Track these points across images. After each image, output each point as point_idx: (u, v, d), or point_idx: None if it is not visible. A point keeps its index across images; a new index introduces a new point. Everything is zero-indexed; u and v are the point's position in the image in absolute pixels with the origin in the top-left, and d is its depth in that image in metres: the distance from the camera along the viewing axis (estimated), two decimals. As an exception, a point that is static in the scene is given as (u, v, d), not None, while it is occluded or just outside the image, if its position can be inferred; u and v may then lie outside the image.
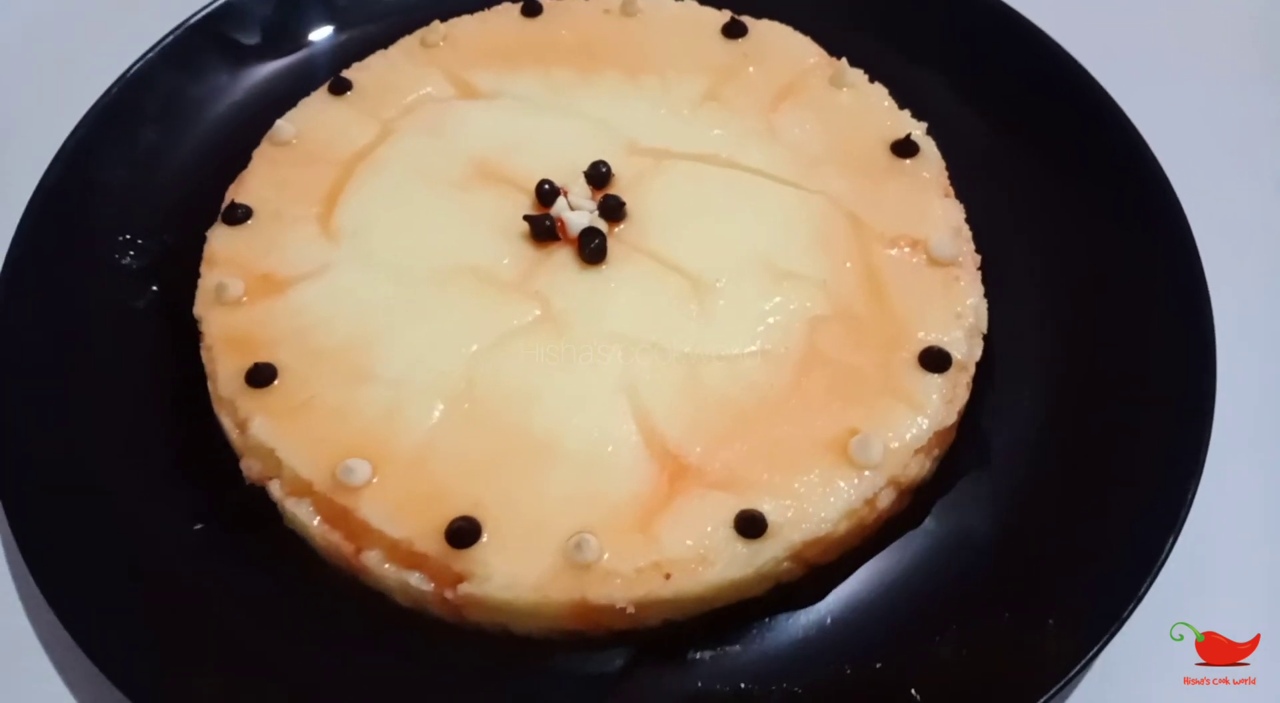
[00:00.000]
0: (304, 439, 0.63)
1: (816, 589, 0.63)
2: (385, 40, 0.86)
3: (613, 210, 0.72)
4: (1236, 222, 0.83)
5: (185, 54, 0.86)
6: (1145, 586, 0.60)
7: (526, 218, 0.72)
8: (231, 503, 0.66)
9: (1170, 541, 0.61)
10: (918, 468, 0.65)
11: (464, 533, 0.59)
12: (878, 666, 0.60)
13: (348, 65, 0.84)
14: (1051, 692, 0.57)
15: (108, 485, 0.67)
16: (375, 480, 0.62)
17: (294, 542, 0.65)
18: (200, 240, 0.75)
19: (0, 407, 0.68)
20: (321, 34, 0.90)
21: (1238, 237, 0.81)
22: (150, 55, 0.85)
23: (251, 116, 0.84)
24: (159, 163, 0.82)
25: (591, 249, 0.70)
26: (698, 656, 0.61)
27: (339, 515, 0.62)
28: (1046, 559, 0.64)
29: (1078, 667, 0.58)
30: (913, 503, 0.66)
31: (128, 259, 0.77)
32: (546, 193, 0.73)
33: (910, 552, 0.65)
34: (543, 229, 0.71)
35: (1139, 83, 0.82)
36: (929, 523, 0.66)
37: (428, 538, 0.60)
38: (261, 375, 0.66)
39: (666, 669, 0.61)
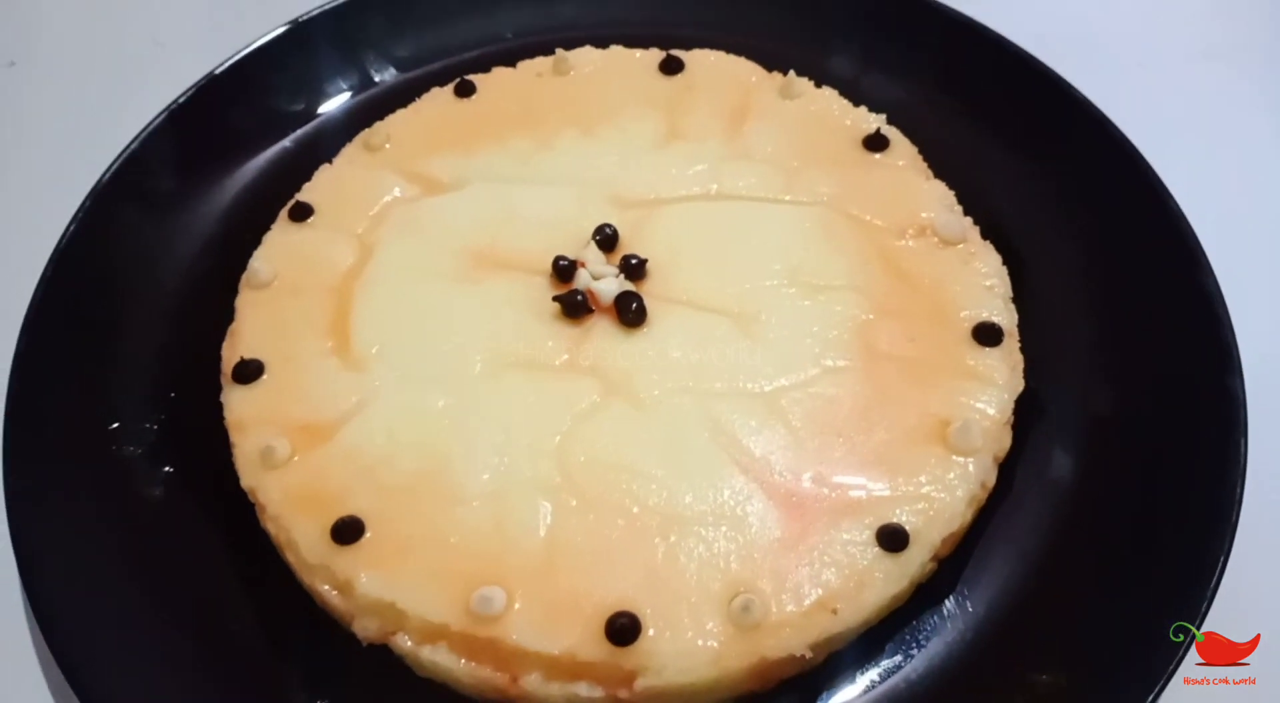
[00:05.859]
0: (421, 582, 0.60)
1: (946, 581, 0.65)
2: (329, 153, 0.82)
3: (635, 270, 0.72)
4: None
5: (103, 215, 0.80)
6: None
7: (556, 298, 0.70)
8: (346, 668, 0.62)
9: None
10: (1008, 440, 0.67)
11: (626, 630, 0.57)
12: (1023, 638, 0.62)
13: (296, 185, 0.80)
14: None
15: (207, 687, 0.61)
16: (514, 602, 0.59)
17: (424, 687, 0.62)
18: (201, 407, 0.70)
19: (70, 648, 0.61)
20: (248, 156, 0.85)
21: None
22: (72, 226, 0.78)
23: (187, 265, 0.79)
24: (117, 338, 0.75)
25: (633, 312, 0.69)
26: (868, 677, 0.62)
27: (484, 648, 0.59)
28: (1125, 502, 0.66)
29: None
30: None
31: (126, 448, 0.71)
32: (565, 269, 0.71)
33: (1009, 520, 0.67)
34: (575, 305, 0.70)
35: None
36: (1016, 487, 0.68)
37: (589, 645, 0.57)
38: (349, 530, 0.61)
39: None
